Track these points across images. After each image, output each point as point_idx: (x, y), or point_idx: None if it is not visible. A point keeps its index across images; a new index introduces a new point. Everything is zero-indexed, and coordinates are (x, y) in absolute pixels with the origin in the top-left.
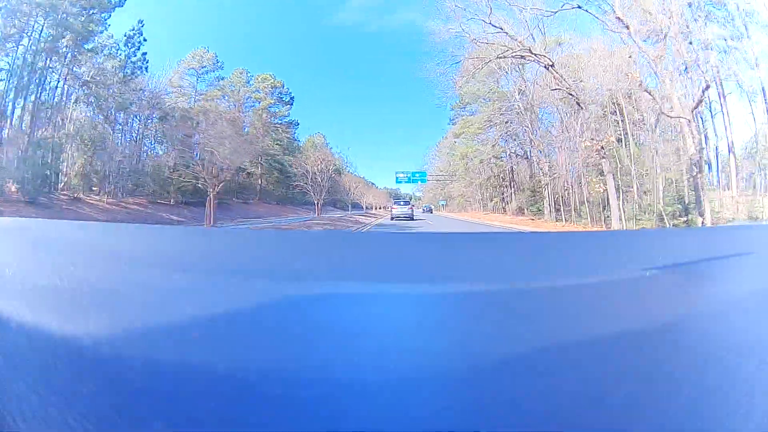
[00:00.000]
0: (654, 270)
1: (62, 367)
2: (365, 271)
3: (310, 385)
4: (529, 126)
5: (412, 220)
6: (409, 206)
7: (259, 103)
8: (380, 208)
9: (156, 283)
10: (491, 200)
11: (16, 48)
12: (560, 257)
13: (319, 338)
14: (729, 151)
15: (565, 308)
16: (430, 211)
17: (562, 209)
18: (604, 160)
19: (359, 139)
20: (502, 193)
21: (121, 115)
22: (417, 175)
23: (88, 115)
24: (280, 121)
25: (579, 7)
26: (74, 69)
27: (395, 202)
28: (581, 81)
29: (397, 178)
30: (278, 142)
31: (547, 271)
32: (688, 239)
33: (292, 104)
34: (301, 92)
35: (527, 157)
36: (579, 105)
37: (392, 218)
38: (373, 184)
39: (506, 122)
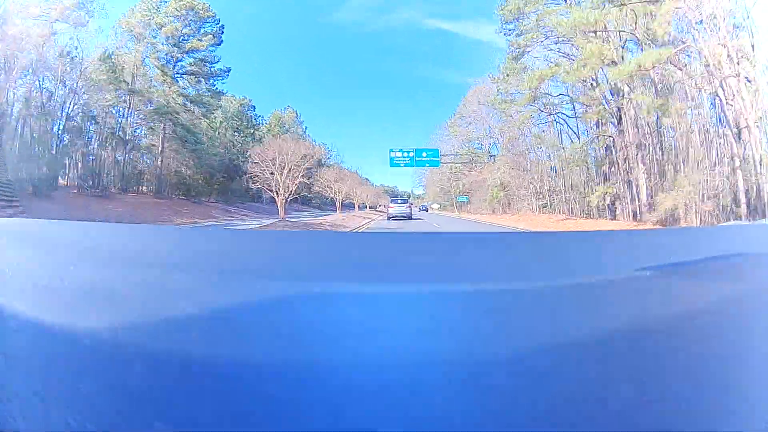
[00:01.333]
0: (654, 270)
1: (62, 367)
2: (365, 271)
3: (310, 385)
4: None
5: (411, 219)
6: (407, 204)
7: (160, 30)
8: (369, 207)
9: (156, 283)
10: (585, 193)
11: None
12: (560, 257)
13: (319, 338)
14: None
15: (565, 308)
16: (426, 210)
17: None
18: None
19: (357, 136)
20: (601, 176)
21: None
22: (425, 154)
23: None
24: (192, 59)
25: None
26: None
27: (392, 201)
28: None
29: (391, 159)
30: (184, 95)
31: (547, 271)
32: (689, 239)
33: (220, 41)
34: (298, 90)
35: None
36: None
37: (389, 218)
38: (368, 180)
39: None
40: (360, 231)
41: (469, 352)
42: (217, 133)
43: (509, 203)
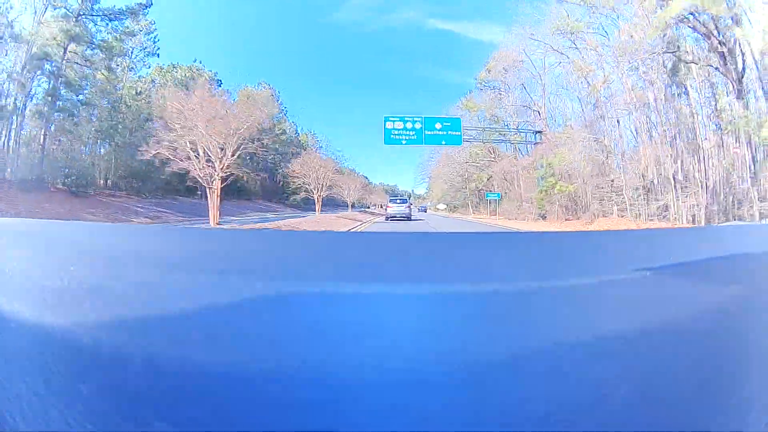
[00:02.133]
0: (654, 270)
1: (62, 367)
2: (365, 271)
3: (310, 386)
4: None
5: (410, 220)
6: (407, 204)
7: None
8: (352, 208)
9: (156, 283)
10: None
11: None
12: (560, 257)
13: (319, 338)
14: None
15: (565, 308)
16: (425, 210)
17: None
18: None
19: (356, 134)
20: None
21: None
22: (439, 125)
23: None
24: None
25: None
26: None
27: (391, 200)
28: None
29: (387, 133)
30: (64, 30)
31: (547, 271)
32: (689, 239)
33: None
34: (299, 91)
35: None
36: None
37: (387, 218)
38: (366, 178)
39: None
40: (360, 231)
41: (470, 352)
42: (146, 102)
43: (577, 204)
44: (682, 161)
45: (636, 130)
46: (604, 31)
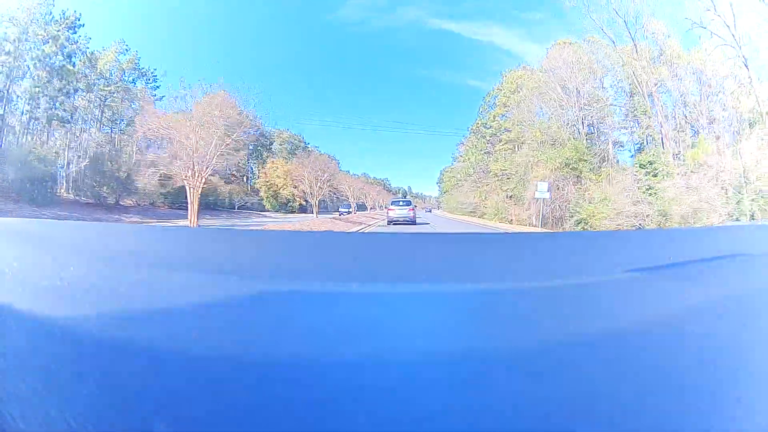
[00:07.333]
0: (654, 270)
1: (62, 366)
2: (365, 271)
3: (310, 384)
4: None
5: (414, 224)
6: (410, 207)
7: None
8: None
9: (156, 282)
10: None
11: None
12: (560, 257)
13: (319, 338)
14: None
15: (564, 308)
16: (430, 211)
17: None
18: None
19: (358, 138)
20: None
21: None
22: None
23: None
24: None
25: None
26: None
27: (393, 203)
28: None
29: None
30: None
31: (547, 271)
32: (689, 239)
33: None
34: (299, 91)
35: None
36: None
37: (389, 222)
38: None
39: None
40: (361, 231)
41: (470, 351)
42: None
43: None
44: None
45: None
46: None
